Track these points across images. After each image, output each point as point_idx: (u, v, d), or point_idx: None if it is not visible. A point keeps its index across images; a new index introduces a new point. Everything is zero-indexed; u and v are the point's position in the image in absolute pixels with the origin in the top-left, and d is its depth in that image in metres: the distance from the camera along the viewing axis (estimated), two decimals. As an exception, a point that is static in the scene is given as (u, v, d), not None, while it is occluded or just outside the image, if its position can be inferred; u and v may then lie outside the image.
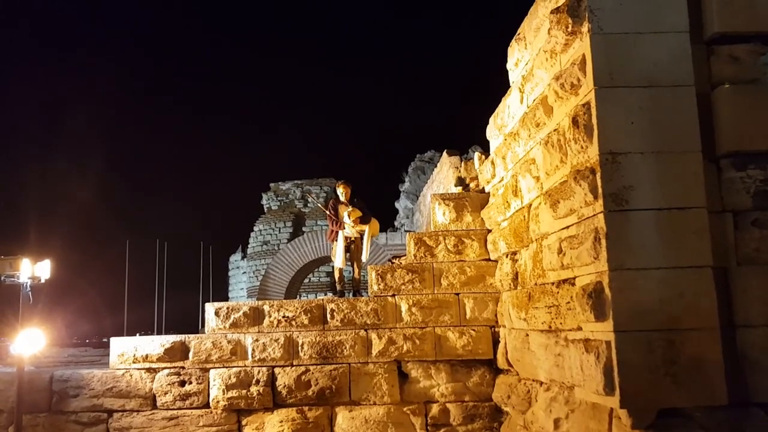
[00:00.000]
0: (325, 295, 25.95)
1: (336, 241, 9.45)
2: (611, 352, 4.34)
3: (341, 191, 9.60)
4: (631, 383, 4.27)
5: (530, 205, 6.26)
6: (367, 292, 8.65)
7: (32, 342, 7.49)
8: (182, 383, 7.96)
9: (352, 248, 9.44)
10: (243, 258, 31.26)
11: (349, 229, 9.32)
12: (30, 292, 7.58)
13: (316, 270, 25.42)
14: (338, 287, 9.65)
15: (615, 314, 4.34)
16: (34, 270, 7.63)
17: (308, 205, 28.91)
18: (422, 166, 27.32)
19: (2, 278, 7.47)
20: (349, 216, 9.25)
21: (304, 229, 27.96)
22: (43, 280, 7.77)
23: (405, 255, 8.65)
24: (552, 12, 4.97)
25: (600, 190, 4.48)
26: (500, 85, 7.27)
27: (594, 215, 4.59)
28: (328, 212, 9.56)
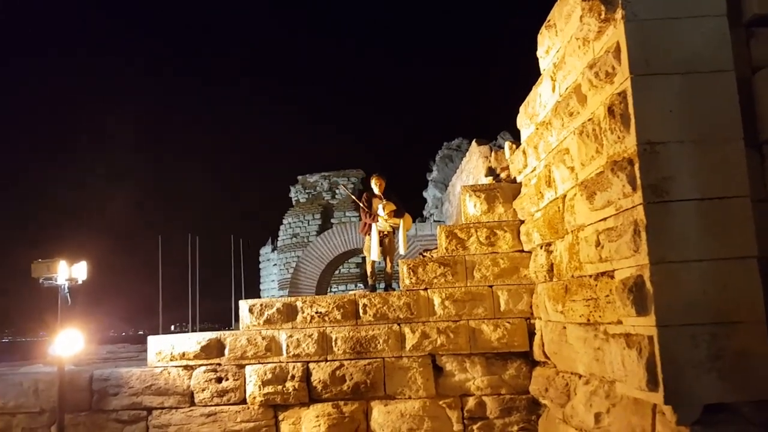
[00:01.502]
0: (355, 286, 26.00)
1: (369, 234, 9.39)
2: (654, 348, 4.24)
3: (375, 184, 9.50)
4: (676, 379, 4.17)
5: (565, 195, 6.15)
6: (398, 286, 8.61)
7: (71, 343, 7.59)
8: (219, 380, 8.02)
9: (385, 242, 9.36)
10: (273, 250, 31.41)
11: (383, 223, 9.25)
12: (68, 294, 7.68)
13: (346, 261, 25.43)
14: (370, 281, 9.59)
15: (657, 309, 4.24)
16: (71, 272, 7.73)
17: (336, 196, 28.91)
18: (450, 154, 27.12)
19: (41, 281, 7.58)
20: (383, 209, 9.17)
21: (332, 220, 27.99)
22: (80, 282, 7.87)
23: (436, 248, 8.59)
24: (584, -1, 4.85)
25: (638, 182, 4.36)
26: (529, 70, 7.14)
27: (633, 207, 4.48)
28: (362, 205, 9.49)
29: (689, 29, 4.50)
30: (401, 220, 9.30)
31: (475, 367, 7.83)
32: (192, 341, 8.11)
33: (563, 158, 5.96)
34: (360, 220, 9.86)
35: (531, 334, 7.76)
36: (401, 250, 9.53)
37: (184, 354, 8.07)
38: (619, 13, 4.55)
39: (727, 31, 4.50)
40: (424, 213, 27.86)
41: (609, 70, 4.69)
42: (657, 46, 4.47)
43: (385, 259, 9.55)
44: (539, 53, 6.69)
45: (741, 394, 4.20)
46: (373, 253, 9.28)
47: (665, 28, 4.50)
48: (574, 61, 5.48)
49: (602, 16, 4.68)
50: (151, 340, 8.31)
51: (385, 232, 9.34)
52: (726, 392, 4.20)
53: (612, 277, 4.96)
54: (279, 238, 29.84)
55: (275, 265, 30.69)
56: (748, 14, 4.67)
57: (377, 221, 9.25)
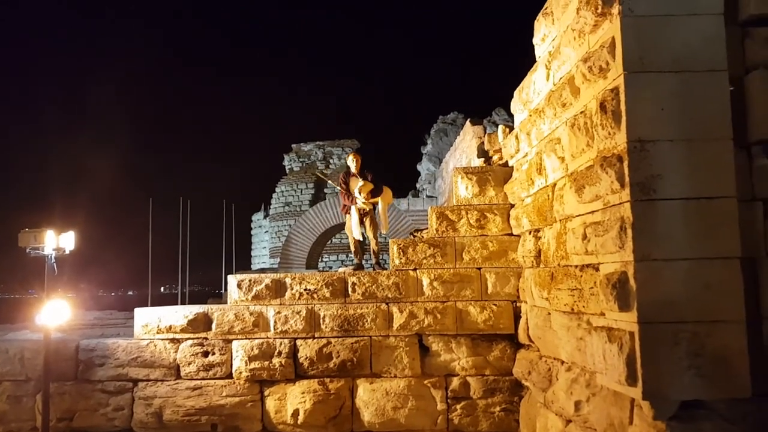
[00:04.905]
0: (346, 257, 26.08)
1: (349, 214, 9.41)
2: (635, 343, 4.30)
3: (352, 161, 9.50)
4: (654, 375, 4.23)
5: (555, 184, 6.17)
6: (388, 257, 8.65)
7: (57, 313, 7.60)
8: (205, 354, 8.09)
9: (366, 221, 9.32)
10: (265, 217, 31.44)
11: (361, 202, 9.23)
12: (55, 264, 7.68)
13: (339, 233, 25.48)
14: (356, 260, 9.61)
15: (639, 305, 4.28)
16: (58, 241, 7.71)
17: (330, 167, 28.87)
18: (445, 128, 27.03)
19: (28, 251, 7.56)
20: (360, 191, 9.15)
21: (326, 190, 28.00)
22: (67, 251, 7.86)
23: (426, 228, 8.62)
24: (581, -9, 4.81)
25: (627, 179, 4.38)
26: (527, 47, 7.07)
27: (620, 203, 4.50)
28: (340, 187, 9.49)
29: (685, 27, 4.47)
30: (379, 198, 9.29)
31: (461, 347, 7.92)
32: (179, 315, 8.15)
33: (554, 147, 5.97)
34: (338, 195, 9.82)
35: (517, 317, 7.84)
36: (382, 228, 9.55)
37: (170, 327, 8.12)
38: (615, 8, 4.51)
39: (723, 30, 4.48)
40: (418, 185, 27.87)
41: (603, 65, 4.67)
42: (652, 43, 4.44)
43: (368, 237, 9.55)
44: (535, 40, 6.64)
45: (718, 391, 4.27)
46: (354, 231, 9.31)
47: (661, 25, 4.47)
48: (569, 52, 5.45)
49: (599, 10, 4.64)
50: (138, 312, 8.34)
51: (365, 210, 9.32)
52: (703, 390, 4.26)
53: (597, 269, 5.00)
54: (271, 207, 29.85)
55: (267, 232, 30.76)
56: (744, 14, 4.64)
57: (356, 202, 9.24)
